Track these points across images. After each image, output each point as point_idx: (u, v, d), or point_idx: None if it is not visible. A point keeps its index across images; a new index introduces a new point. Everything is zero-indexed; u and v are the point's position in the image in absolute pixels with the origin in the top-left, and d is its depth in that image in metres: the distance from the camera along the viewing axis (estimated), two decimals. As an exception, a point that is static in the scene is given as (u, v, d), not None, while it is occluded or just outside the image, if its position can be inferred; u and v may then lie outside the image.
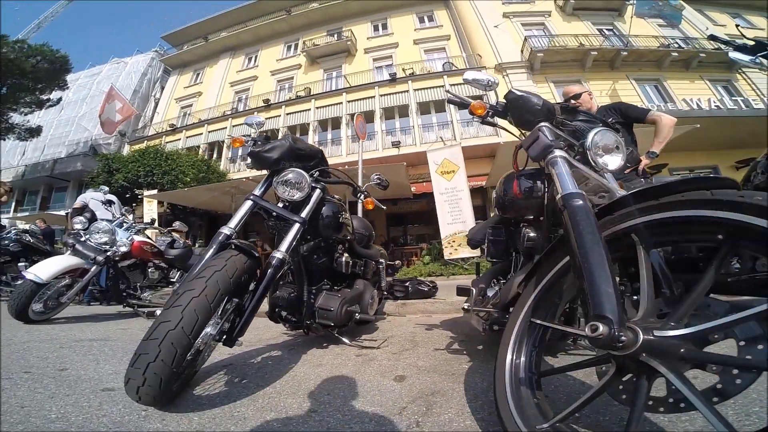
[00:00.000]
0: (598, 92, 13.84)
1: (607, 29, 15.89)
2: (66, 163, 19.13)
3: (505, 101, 1.33)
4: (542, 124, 1.16)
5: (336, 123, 15.00)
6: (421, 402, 1.23)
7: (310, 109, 15.27)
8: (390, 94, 14.76)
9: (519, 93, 1.25)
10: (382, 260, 2.80)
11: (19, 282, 4.26)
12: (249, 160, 1.78)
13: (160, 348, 1.03)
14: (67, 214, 5.95)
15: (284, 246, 1.53)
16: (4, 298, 4.24)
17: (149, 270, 3.69)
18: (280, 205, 1.69)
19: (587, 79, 14.11)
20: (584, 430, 0.95)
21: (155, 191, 10.20)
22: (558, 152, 1.07)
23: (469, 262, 7.13)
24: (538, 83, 14.08)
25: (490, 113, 1.37)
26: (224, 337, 1.35)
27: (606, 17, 16.30)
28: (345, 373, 1.58)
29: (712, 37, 3.02)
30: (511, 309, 1.32)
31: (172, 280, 3.92)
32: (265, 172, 1.78)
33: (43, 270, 2.83)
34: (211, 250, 1.42)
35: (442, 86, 14.26)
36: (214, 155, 15.71)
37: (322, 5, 18.59)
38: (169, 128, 17.34)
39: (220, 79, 19.00)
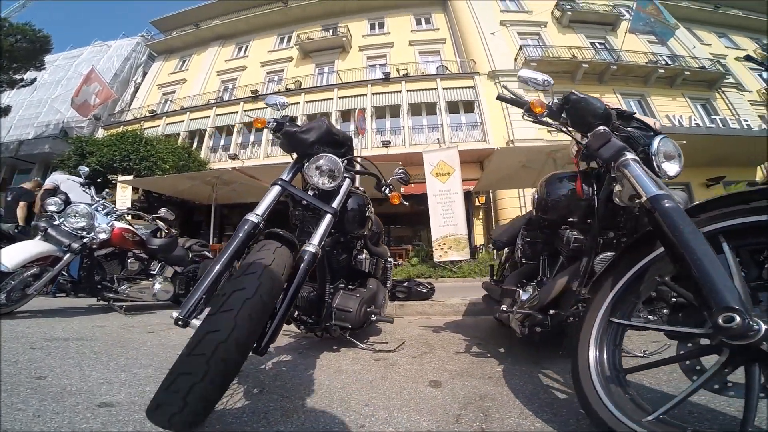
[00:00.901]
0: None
1: (599, 43, 16.22)
2: (32, 145, 18.11)
3: (560, 102, 1.37)
4: (602, 127, 1.17)
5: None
6: (474, 408, 1.18)
7: (299, 103, 14.94)
8: (382, 93, 14.68)
9: (582, 95, 1.29)
10: (390, 259, 2.65)
11: None
12: (280, 140, 1.61)
13: (209, 365, 0.82)
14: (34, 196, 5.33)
15: (316, 239, 1.33)
16: None
17: (128, 260, 3.31)
18: (310, 193, 1.52)
19: (576, 90, 14.34)
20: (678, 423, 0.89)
21: (131, 177, 9.64)
22: (630, 155, 1.08)
23: (458, 265, 6.98)
24: (528, 93, 14.12)
25: (546, 113, 1.39)
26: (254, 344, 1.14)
27: (600, 31, 16.65)
28: (372, 379, 1.48)
29: (749, 58, 3.10)
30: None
31: (152, 272, 3.55)
32: (277, 158, 1.53)
33: (8, 257, 2.43)
34: (237, 241, 1.20)
35: (435, 89, 14.30)
36: (195, 144, 15.12)
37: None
38: (149, 114, 16.64)
39: (207, 67, 18.48)
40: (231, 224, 11.77)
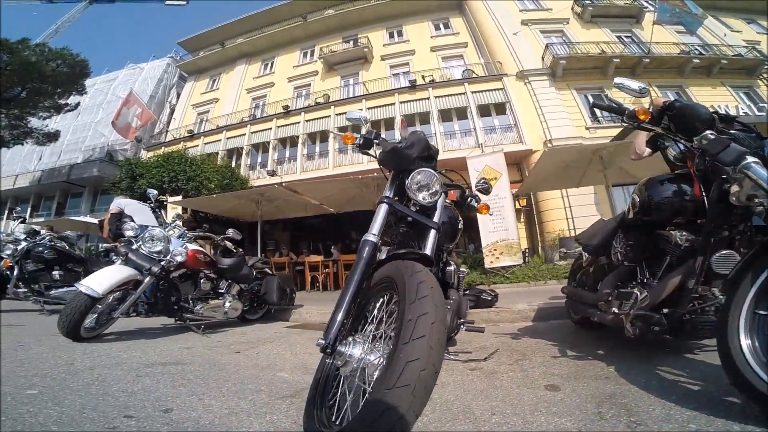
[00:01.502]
0: (622, 99, 13.77)
1: (626, 36, 15.87)
2: (82, 169, 19.13)
3: (662, 108, 1.45)
4: (710, 132, 1.25)
5: (356, 130, 14.86)
6: (611, 405, 1.24)
7: (329, 116, 15.22)
8: (410, 101, 14.75)
9: (687, 102, 1.37)
10: (463, 269, 2.74)
11: (53, 292, 4.15)
12: (378, 157, 1.62)
13: (414, 396, 0.79)
14: (100, 221, 5.71)
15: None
16: (41, 308, 4.06)
17: (201, 280, 3.48)
18: (413, 209, 1.52)
19: (609, 86, 13.98)
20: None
21: (180, 197, 10.10)
22: (750, 158, 1.17)
23: (510, 270, 7.03)
24: (561, 90, 14.05)
25: (648, 120, 1.47)
26: None
27: (624, 24, 16.31)
28: (481, 389, 1.53)
29: None
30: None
31: (220, 291, 3.72)
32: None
33: (97, 282, 2.56)
34: (363, 262, 1.22)
35: (463, 93, 14.31)
36: (233, 162, 15.69)
37: (338, 12, 18.71)
38: (187, 134, 17.33)
39: (237, 86, 19.03)
40: (272, 239, 12.12)
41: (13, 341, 2.52)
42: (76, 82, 16.87)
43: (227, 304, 3.56)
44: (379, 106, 14.96)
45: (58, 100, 17.01)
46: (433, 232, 1.45)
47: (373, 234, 1.31)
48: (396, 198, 1.51)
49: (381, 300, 1.23)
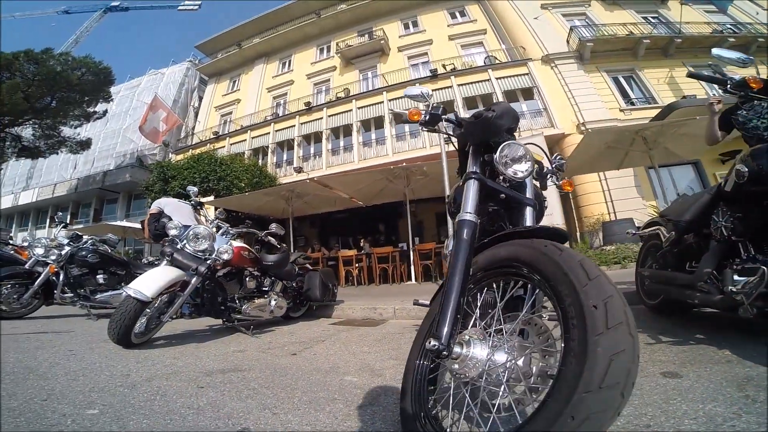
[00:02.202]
0: (655, 80, 13.39)
1: (652, 17, 15.14)
2: (115, 175, 19.76)
3: None
4: None
5: (379, 122, 14.80)
6: (756, 387, 1.23)
7: (351, 110, 15.12)
8: (432, 90, 14.38)
9: None
10: None
11: (99, 296, 4.05)
12: (464, 129, 1.41)
13: (623, 396, 0.65)
14: (142, 222, 5.72)
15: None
16: (88, 313, 3.99)
17: (246, 279, 3.34)
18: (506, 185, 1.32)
19: (641, 67, 13.61)
20: None
21: (212, 198, 10.21)
22: None
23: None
24: (590, 73, 13.64)
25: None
26: None
27: (649, 5, 15.54)
28: None
29: None
30: None
31: (264, 289, 3.54)
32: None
33: (146, 285, 2.40)
34: (466, 245, 1.07)
35: (487, 80, 13.98)
36: (259, 160, 15.84)
37: (351, 6, 18.49)
38: (213, 136, 17.62)
39: (257, 85, 19.16)
40: (301, 236, 12.11)
41: (64, 349, 2.42)
42: (101, 89, 17.22)
43: (273, 303, 3.39)
44: (402, 97, 14.69)
45: (87, 108, 17.44)
46: (529, 209, 1.29)
47: (468, 213, 1.13)
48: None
49: (491, 289, 1.06)
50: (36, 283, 3.77)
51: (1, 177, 23.42)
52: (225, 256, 2.90)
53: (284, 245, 3.93)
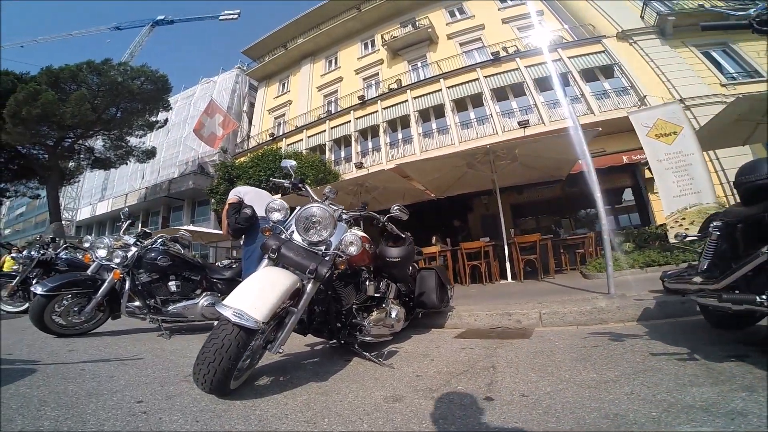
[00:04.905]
0: (755, 53, 11.43)
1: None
2: (179, 183, 20.45)
3: None
4: None
5: (439, 111, 13.78)
6: None
7: (407, 100, 14.29)
8: (496, 74, 13.40)
9: None
10: None
11: (171, 307, 3.15)
12: None
13: None
14: (218, 214, 4.96)
15: None
16: (159, 328, 3.30)
17: (365, 283, 2.38)
18: None
19: (735, 41, 11.66)
20: None
21: (279, 196, 9.77)
22: None
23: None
24: (677, 48, 11.97)
25: None
26: None
27: None
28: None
29: None
30: None
31: (377, 295, 2.56)
32: None
33: (252, 304, 1.54)
34: None
35: (558, 59, 12.46)
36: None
37: (391, -3, 17.73)
38: (269, 138, 17.61)
39: (307, 85, 18.99)
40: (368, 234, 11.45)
41: (129, 399, 1.58)
42: (160, 98, 17.65)
43: (393, 314, 2.45)
44: (461, 84, 13.74)
45: (149, 117, 18.00)
46: None
47: None
48: None
49: None
50: (99, 292, 3.07)
51: (81, 189, 25.32)
52: (353, 250, 2.00)
53: (408, 233, 2.85)
